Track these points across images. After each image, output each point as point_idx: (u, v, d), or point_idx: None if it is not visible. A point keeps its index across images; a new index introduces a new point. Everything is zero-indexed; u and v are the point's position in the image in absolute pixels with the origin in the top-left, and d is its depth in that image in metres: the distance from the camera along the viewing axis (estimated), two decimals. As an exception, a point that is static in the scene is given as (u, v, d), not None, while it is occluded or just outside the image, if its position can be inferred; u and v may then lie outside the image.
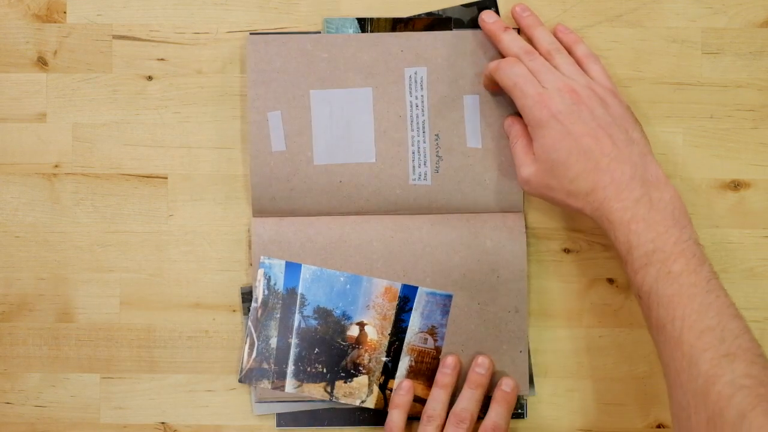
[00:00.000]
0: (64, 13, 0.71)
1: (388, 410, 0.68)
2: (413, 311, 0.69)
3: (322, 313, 0.69)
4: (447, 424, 0.66)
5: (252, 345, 0.69)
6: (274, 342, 0.69)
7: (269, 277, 0.69)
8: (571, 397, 0.71)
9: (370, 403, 0.69)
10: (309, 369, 0.69)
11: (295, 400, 0.69)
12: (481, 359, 0.68)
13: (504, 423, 0.67)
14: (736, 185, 0.71)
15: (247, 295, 0.70)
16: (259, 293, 0.69)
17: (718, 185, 0.71)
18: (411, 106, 0.70)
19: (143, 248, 0.71)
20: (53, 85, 0.71)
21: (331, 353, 0.69)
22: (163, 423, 0.71)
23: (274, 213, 0.70)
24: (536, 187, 0.65)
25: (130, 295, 0.71)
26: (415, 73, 0.69)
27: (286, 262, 0.69)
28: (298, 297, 0.69)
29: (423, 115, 0.70)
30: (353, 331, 0.69)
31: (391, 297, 0.69)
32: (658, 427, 0.71)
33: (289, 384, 0.69)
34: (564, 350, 0.71)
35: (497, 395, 0.68)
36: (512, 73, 0.65)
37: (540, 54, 0.67)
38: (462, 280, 0.69)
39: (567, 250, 0.71)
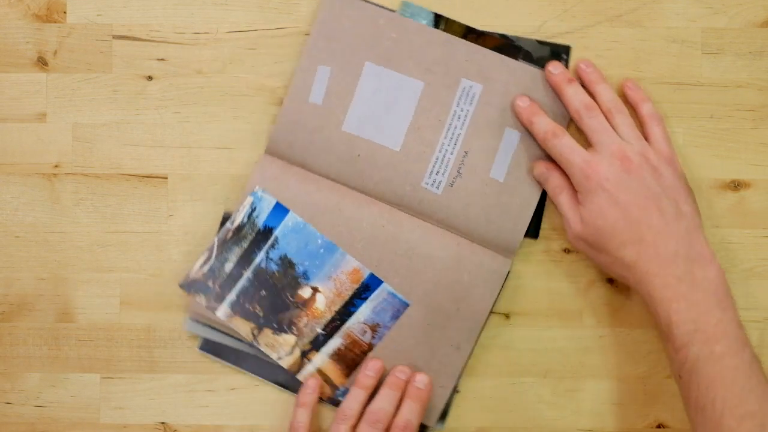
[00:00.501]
0: (64, 13, 0.71)
1: (294, 409, 0.68)
2: (367, 301, 0.69)
3: (286, 263, 0.69)
4: (362, 422, 0.66)
5: (208, 259, 0.68)
6: (228, 267, 0.68)
7: (255, 208, 0.69)
8: (571, 397, 0.71)
9: (285, 363, 0.69)
10: (247, 306, 0.68)
11: (227, 333, 0.69)
12: (402, 366, 0.68)
13: (416, 420, 0.66)
14: (736, 185, 0.71)
15: (224, 221, 0.70)
16: (238, 218, 0.69)
17: (718, 185, 0.71)
18: (453, 116, 0.69)
19: (143, 248, 0.71)
20: (53, 85, 0.71)
21: (275, 302, 0.69)
22: (163, 423, 0.71)
23: (286, 158, 0.70)
24: (584, 247, 0.66)
25: (130, 295, 0.71)
26: (470, 87, 0.69)
27: (277, 201, 0.69)
28: (272, 238, 0.68)
29: (461, 129, 0.69)
30: (305, 293, 0.69)
31: (355, 279, 0.69)
32: (658, 427, 0.71)
33: (222, 310, 0.68)
34: (564, 350, 0.71)
35: (410, 391, 0.67)
36: (558, 144, 0.65)
37: (601, 110, 0.66)
38: (425, 296, 0.69)
39: (567, 251, 0.71)
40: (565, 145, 0.65)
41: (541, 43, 0.70)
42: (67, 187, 0.71)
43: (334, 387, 0.69)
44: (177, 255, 0.71)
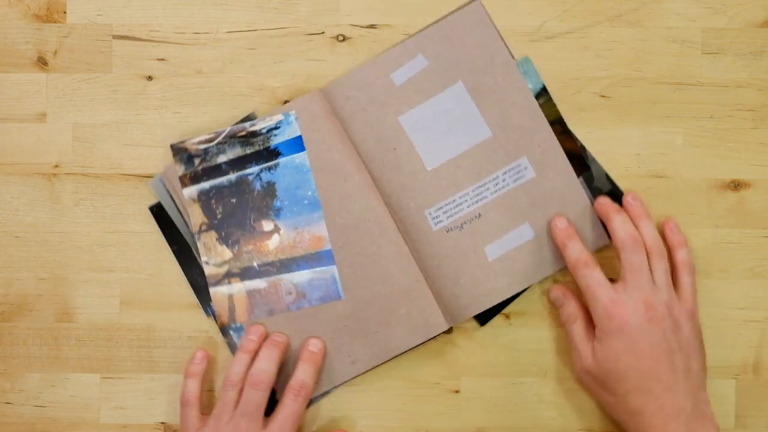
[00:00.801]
0: (64, 13, 0.71)
1: (183, 380, 0.68)
2: (311, 271, 0.69)
3: (270, 191, 0.69)
4: (245, 385, 0.66)
5: (210, 141, 0.68)
6: (221, 159, 0.69)
7: (279, 126, 0.69)
8: (571, 397, 0.71)
9: (207, 270, 0.69)
10: (213, 202, 0.69)
11: (179, 211, 0.70)
12: (279, 332, 0.69)
13: (311, 381, 0.67)
14: (736, 185, 0.71)
15: (246, 120, 0.70)
16: (258, 125, 0.69)
17: (718, 185, 0.71)
18: (493, 179, 0.69)
19: (143, 248, 0.71)
20: (53, 85, 0.71)
21: (238, 216, 0.69)
22: (163, 423, 0.71)
23: (334, 107, 0.69)
24: (589, 381, 0.67)
25: (130, 295, 0.71)
26: (525, 168, 0.69)
27: (300, 135, 0.68)
28: (274, 162, 0.68)
29: (490, 194, 0.69)
30: (267, 226, 0.69)
31: (315, 245, 0.69)
32: (658, 427, 0.71)
33: (190, 191, 0.69)
34: (564, 350, 0.71)
35: (304, 355, 0.68)
36: (588, 275, 0.65)
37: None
38: (359, 301, 0.69)
39: (567, 250, 0.71)
40: (594, 278, 0.65)
41: (608, 177, 0.70)
42: (67, 187, 0.71)
43: (233, 320, 0.69)
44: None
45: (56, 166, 0.72)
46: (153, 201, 0.71)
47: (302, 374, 0.67)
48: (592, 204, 0.69)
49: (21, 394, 0.72)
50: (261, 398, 0.65)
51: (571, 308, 0.68)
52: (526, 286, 0.69)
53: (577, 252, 0.66)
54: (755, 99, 0.71)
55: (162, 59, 0.71)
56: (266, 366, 0.66)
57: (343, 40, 0.71)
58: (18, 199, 0.72)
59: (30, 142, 0.72)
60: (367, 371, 0.69)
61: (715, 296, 0.71)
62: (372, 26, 0.71)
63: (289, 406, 0.66)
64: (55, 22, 0.71)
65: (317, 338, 0.68)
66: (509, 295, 0.69)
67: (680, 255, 0.68)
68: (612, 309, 0.64)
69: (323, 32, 0.71)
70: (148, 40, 0.71)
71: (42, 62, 0.71)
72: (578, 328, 0.67)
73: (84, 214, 0.71)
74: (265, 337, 0.68)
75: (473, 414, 0.71)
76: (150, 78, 0.71)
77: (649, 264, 0.66)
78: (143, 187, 0.71)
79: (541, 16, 0.71)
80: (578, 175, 0.70)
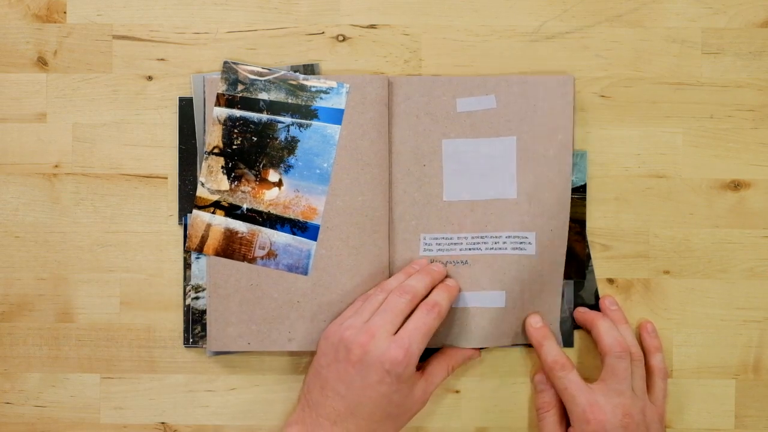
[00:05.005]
0: (64, 13, 0.71)
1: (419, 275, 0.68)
2: (291, 236, 0.69)
3: (290, 146, 0.68)
4: (392, 292, 0.65)
5: (262, 74, 0.68)
6: (262, 95, 0.68)
7: (328, 92, 0.68)
8: (571, 397, 0.71)
9: (200, 191, 0.69)
10: (236, 131, 0.68)
11: (203, 119, 0.70)
12: (439, 265, 0.68)
13: (445, 303, 0.65)
14: (736, 185, 0.71)
15: (308, 68, 0.70)
16: (312, 81, 0.69)
17: (718, 185, 0.71)
18: (494, 236, 0.69)
19: (143, 248, 0.71)
20: (53, 85, 0.71)
21: (250, 154, 0.68)
22: (163, 423, 0.71)
23: (392, 98, 0.69)
24: None
25: (130, 295, 0.71)
26: (529, 243, 0.69)
27: (345, 110, 0.68)
28: (307, 123, 0.68)
29: (485, 249, 0.69)
30: (272, 177, 0.69)
31: (307, 214, 0.69)
32: (658, 427, 0.71)
33: (219, 112, 0.68)
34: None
35: (442, 285, 0.67)
36: (565, 378, 0.66)
37: None
38: (321, 284, 0.68)
39: (567, 250, 0.71)
40: (571, 380, 0.66)
41: (596, 294, 0.70)
42: (67, 187, 0.71)
43: (200, 248, 0.69)
44: (177, 255, 0.71)
45: (56, 166, 0.72)
46: (186, 94, 0.71)
47: (438, 296, 0.66)
48: (570, 312, 0.70)
49: (21, 394, 0.72)
50: (404, 305, 0.64)
51: (548, 397, 0.68)
52: (471, 346, 0.69)
53: (553, 354, 0.67)
54: (755, 99, 0.71)
55: (162, 59, 0.71)
56: (415, 283, 0.66)
57: (343, 40, 0.71)
58: (18, 199, 0.72)
59: (30, 142, 0.72)
60: (298, 351, 0.70)
61: (715, 296, 0.71)
62: (372, 26, 0.71)
63: (421, 318, 0.64)
64: (55, 22, 0.71)
65: (453, 279, 0.68)
66: (450, 345, 0.69)
67: (656, 360, 0.69)
68: (590, 413, 0.64)
69: (323, 32, 0.71)
70: (148, 40, 0.71)
71: (42, 62, 0.71)
72: (551, 419, 0.68)
73: (84, 214, 0.71)
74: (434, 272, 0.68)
75: (473, 414, 0.71)
76: (150, 78, 0.71)
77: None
78: (143, 187, 0.71)
79: (541, 16, 0.71)
80: (572, 279, 0.70)
